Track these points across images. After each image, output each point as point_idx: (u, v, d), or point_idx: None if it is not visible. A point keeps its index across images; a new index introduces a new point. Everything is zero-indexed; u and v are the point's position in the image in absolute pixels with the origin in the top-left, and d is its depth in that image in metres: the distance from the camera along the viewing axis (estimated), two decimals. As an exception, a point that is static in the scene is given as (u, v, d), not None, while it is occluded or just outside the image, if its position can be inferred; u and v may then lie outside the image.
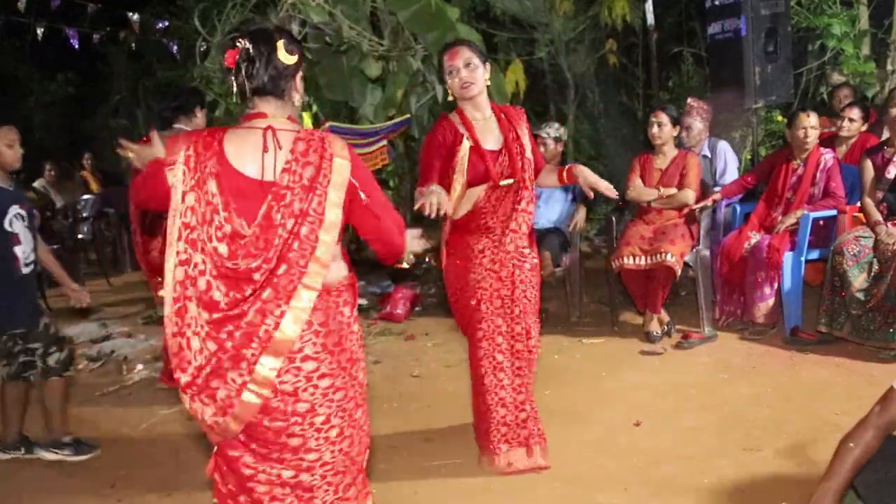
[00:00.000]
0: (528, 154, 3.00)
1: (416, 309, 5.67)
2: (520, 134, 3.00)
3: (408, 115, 6.00)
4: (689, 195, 4.62)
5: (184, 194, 1.82)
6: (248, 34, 1.87)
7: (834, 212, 4.40)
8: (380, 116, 5.95)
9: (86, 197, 8.32)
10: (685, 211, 4.68)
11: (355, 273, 2.04)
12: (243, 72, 1.86)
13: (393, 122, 5.92)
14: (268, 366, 1.82)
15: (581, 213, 5.18)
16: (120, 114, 14.07)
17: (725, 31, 5.62)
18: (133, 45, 9.11)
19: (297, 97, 1.96)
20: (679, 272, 4.51)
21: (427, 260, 5.96)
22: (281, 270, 1.81)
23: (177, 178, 1.83)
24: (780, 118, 6.52)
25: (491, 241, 2.98)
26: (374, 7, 5.75)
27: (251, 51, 1.85)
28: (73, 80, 14.42)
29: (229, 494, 1.94)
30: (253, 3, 5.73)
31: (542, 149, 5.30)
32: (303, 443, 1.89)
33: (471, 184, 2.96)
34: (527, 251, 3.04)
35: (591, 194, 3.02)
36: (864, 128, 4.82)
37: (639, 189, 4.77)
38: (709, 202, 4.66)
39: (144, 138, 2.29)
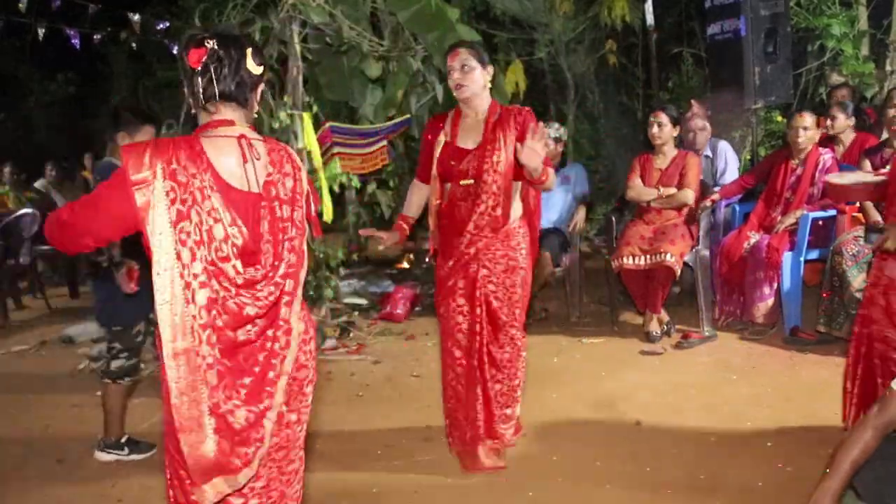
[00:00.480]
0: (500, 158, 2.95)
1: (416, 309, 5.68)
2: (500, 136, 2.97)
3: (408, 116, 6.00)
4: (689, 195, 4.63)
5: (179, 213, 1.67)
6: (218, 36, 1.77)
7: (833, 212, 4.41)
8: (380, 116, 5.96)
9: (86, 197, 8.31)
10: (685, 211, 4.69)
11: None
12: (211, 73, 1.75)
13: (393, 122, 5.92)
14: (281, 388, 1.82)
15: (581, 214, 5.19)
16: (120, 114, 14.09)
17: (725, 31, 5.63)
18: (133, 45, 9.10)
19: (254, 111, 1.88)
20: (679, 272, 4.52)
21: (427, 259, 5.97)
22: (288, 286, 1.80)
23: (158, 195, 1.66)
24: (779, 118, 6.53)
25: (455, 239, 3.04)
26: (374, 7, 5.75)
27: (220, 53, 1.76)
28: (73, 80, 14.43)
29: None
30: (253, 3, 5.73)
31: (542, 149, 5.31)
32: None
33: (441, 179, 3.07)
34: (499, 252, 3.01)
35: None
36: (851, 124, 4.85)
37: (638, 189, 4.78)
38: (708, 202, 4.66)
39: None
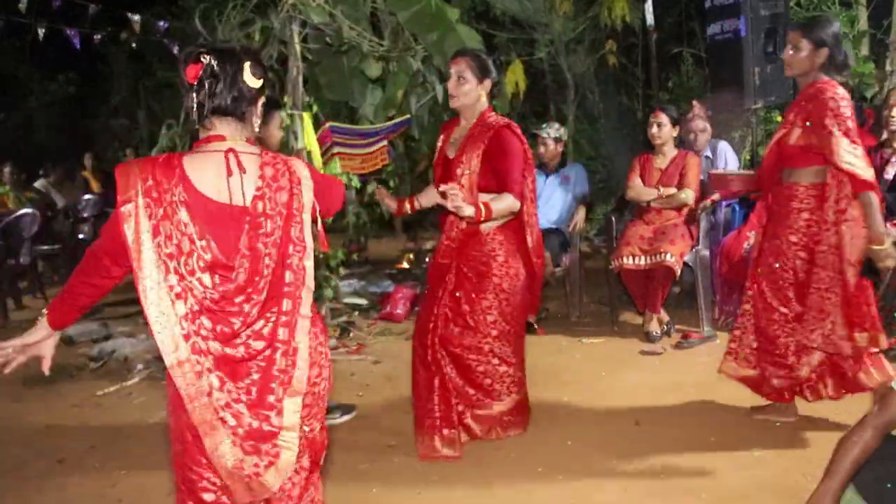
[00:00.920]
0: (464, 171, 3.05)
1: (416, 309, 5.67)
2: (469, 151, 3.06)
3: (408, 116, 6.00)
4: (689, 195, 4.64)
5: (154, 227, 1.68)
6: (214, 51, 1.76)
7: (833, 212, 4.40)
8: (380, 116, 5.95)
9: (87, 197, 8.33)
10: (685, 211, 4.69)
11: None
12: (206, 89, 1.74)
13: (393, 122, 5.92)
14: (291, 409, 1.78)
15: (581, 214, 5.19)
16: (121, 114, 14.10)
17: (725, 31, 5.62)
18: (134, 45, 9.12)
19: (257, 122, 1.86)
20: (679, 272, 4.52)
21: (427, 259, 5.97)
22: (286, 306, 1.76)
23: (138, 211, 1.68)
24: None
25: (442, 239, 3.21)
26: (374, 8, 5.75)
27: (216, 68, 1.74)
28: (73, 80, 14.45)
29: None
30: (253, 3, 5.73)
31: (542, 149, 5.32)
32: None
33: (436, 182, 3.18)
34: (472, 261, 3.13)
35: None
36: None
37: (638, 189, 4.78)
38: (708, 202, 4.66)
39: None
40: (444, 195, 2.76)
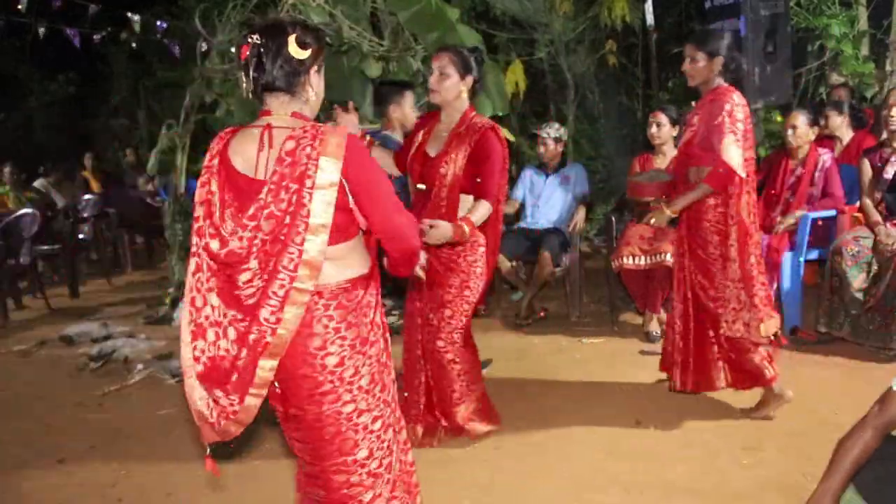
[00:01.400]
0: (447, 171, 3.05)
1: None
2: (454, 150, 3.06)
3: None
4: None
5: (199, 186, 1.85)
6: (260, 28, 1.83)
7: (833, 212, 4.41)
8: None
9: (87, 197, 8.33)
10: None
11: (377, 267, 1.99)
12: (253, 67, 1.82)
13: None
14: (266, 367, 1.79)
15: (581, 214, 5.19)
16: (121, 114, 14.10)
17: (725, 31, 5.62)
18: (134, 45, 9.12)
19: (312, 92, 1.89)
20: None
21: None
22: (274, 277, 1.75)
23: (201, 175, 1.87)
24: (779, 118, 6.53)
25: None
26: (374, 7, 5.75)
27: (261, 46, 1.81)
28: (73, 80, 14.45)
29: None
30: (253, 3, 5.73)
31: (542, 149, 5.32)
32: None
33: (415, 179, 3.19)
34: (443, 255, 3.15)
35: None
36: (845, 123, 4.88)
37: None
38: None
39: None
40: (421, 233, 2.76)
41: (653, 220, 3.37)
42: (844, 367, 3.87)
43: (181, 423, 3.80)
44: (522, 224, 5.42)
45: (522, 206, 5.48)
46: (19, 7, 7.19)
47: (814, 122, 4.52)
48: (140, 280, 8.05)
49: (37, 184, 8.28)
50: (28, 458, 3.49)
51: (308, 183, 1.73)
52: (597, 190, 7.67)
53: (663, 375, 3.71)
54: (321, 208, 1.73)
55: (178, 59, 9.33)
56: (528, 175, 5.45)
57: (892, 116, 4.06)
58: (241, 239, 1.76)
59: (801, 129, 4.43)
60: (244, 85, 1.85)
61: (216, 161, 1.84)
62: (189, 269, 1.85)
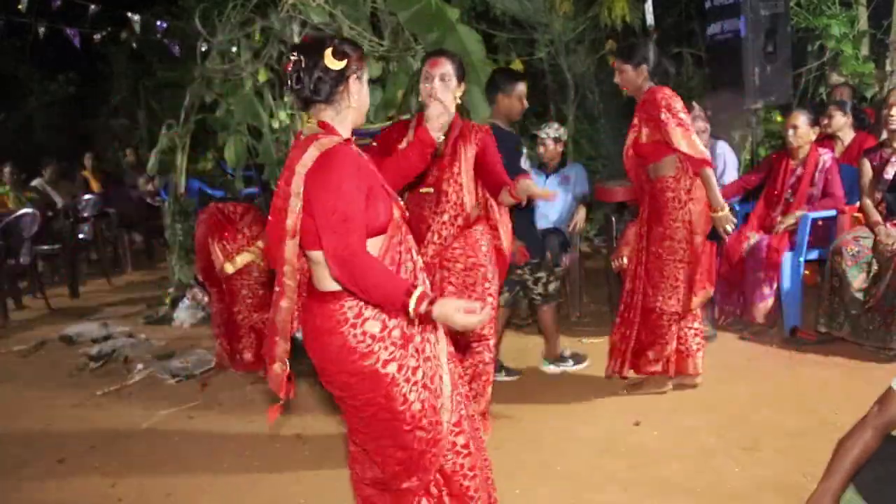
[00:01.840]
0: (460, 170, 3.09)
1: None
2: (461, 150, 3.09)
3: (408, 116, 5.99)
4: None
5: None
6: (299, 47, 1.96)
7: (833, 212, 4.41)
8: (380, 117, 5.95)
9: (86, 197, 8.33)
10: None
11: None
12: (294, 83, 1.94)
13: (393, 122, 5.92)
14: (282, 346, 2.01)
15: (581, 214, 5.18)
16: (121, 114, 14.09)
17: (725, 31, 5.63)
18: (134, 45, 9.11)
19: (352, 99, 1.97)
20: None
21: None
22: (280, 270, 1.95)
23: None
24: (779, 118, 6.53)
25: (431, 238, 3.15)
26: (374, 7, 5.74)
27: (301, 62, 1.92)
28: (73, 80, 14.42)
29: None
30: (253, 3, 5.73)
31: (541, 149, 5.32)
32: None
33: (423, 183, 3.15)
34: (458, 252, 3.14)
35: (525, 201, 3.08)
36: (848, 122, 4.88)
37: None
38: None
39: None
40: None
41: (728, 228, 3.51)
42: (844, 367, 3.87)
43: (181, 423, 3.81)
44: (522, 224, 5.41)
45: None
46: (19, 7, 7.19)
47: (814, 123, 4.52)
48: (140, 280, 8.05)
49: (34, 182, 8.28)
50: (28, 458, 3.50)
51: (290, 189, 1.88)
52: (597, 190, 7.66)
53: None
54: (292, 215, 1.88)
55: (178, 59, 9.33)
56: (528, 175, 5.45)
57: (892, 116, 4.06)
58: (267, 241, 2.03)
59: (802, 129, 4.43)
60: (288, 99, 2.00)
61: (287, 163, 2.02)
62: None
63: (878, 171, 4.13)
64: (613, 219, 5.18)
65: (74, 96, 14.46)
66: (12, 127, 13.80)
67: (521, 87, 3.80)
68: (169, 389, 4.34)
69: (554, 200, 3.51)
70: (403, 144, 3.06)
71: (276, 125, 5.34)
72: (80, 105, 14.36)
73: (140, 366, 4.74)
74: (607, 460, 3.05)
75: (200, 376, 4.49)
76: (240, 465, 3.27)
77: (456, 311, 1.82)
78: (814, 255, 4.43)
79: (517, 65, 7.76)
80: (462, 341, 3.11)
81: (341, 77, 1.94)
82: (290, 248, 1.90)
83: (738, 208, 5.11)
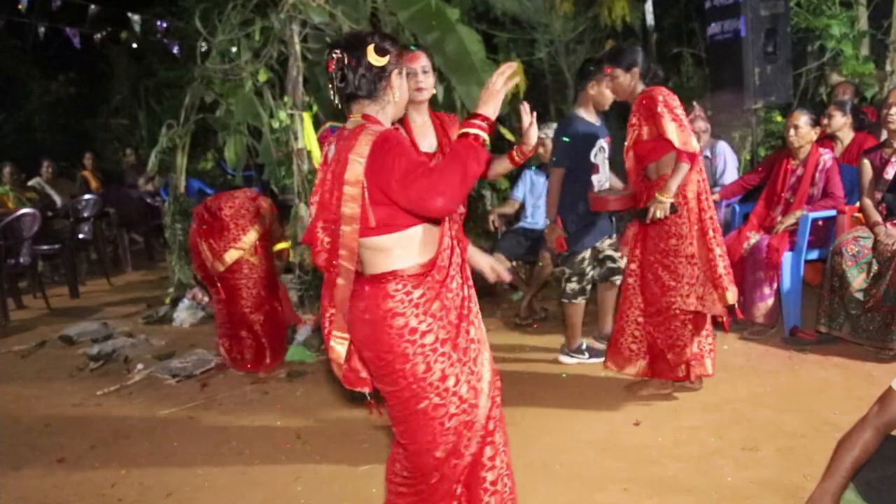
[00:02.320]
0: None
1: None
2: (451, 140, 3.10)
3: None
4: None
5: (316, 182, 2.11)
6: (341, 44, 2.01)
7: (833, 212, 4.41)
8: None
9: (87, 196, 8.34)
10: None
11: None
12: (337, 79, 2.00)
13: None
14: (339, 321, 2.07)
15: (581, 214, 5.18)
16: (121, 114, 14.09)
17: (725, 31, 5.63)
18: (134, 45, 9.12)
19: (395, 93, 2.05)
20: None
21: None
22: (335, 254, 2.00)
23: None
24: (779, 118, 6.53)
25: None
26: (374, 7, 5.75)
27: (344, 59, 1.98)
28: (74, 80, 14.43)
29: None
30: (253, 3, 5.73)
31: (541, 149, 5.32)
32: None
33: None
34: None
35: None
36: (848, 122, 4.89)
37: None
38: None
39: None
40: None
41: (658, 213, 3.44)
42: (844, 367, 3.87)
43: (181, 423, 3.81)
44: (522, 224, 5.42)
45: (522, 206, 5.49)
46: (19, 7, 7.19)
47: (815, 123, 4.52)
48: (140, 280, 8.06)
49: (33, 182, 8.28)
50: (28, 458, 3.50)
51: (341, 178, 1.92)
52: (597, 190, 7.66)
53: None
54: (348, 202, 1.92)
55: (178, 59, 9.34)
56: (528, 175, 5.45)
57: (892, 115, 4.06)
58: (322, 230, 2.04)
59: (802, 129, 4.43)
60: (331, 95, 2.02)
61: (323, 159, 2.08)
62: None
63: (878, 171, 4.13)
64: (613, 219, 5.17)
65: (74, 96, 14.47)
66: (12, 127, 13.80)
67: (606, 78, 3.83)
68: (169, 389, 4.35)
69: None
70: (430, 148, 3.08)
71: (276, 125, 5.34)
72: (80, 105, 14.36)
73: (140, 366, 4.74)
74: (607, 460, 3.05)
75: (200, 376, 4.49)
76: (240, 464, 3.27)
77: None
78: (814, 255, 4.43)
79: (517, 65, 7.76)
80: None
81: (384, 73, 2.00)
82: (348, 234, 1.94)
83: (737, 208, 5.11)
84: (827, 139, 4.88)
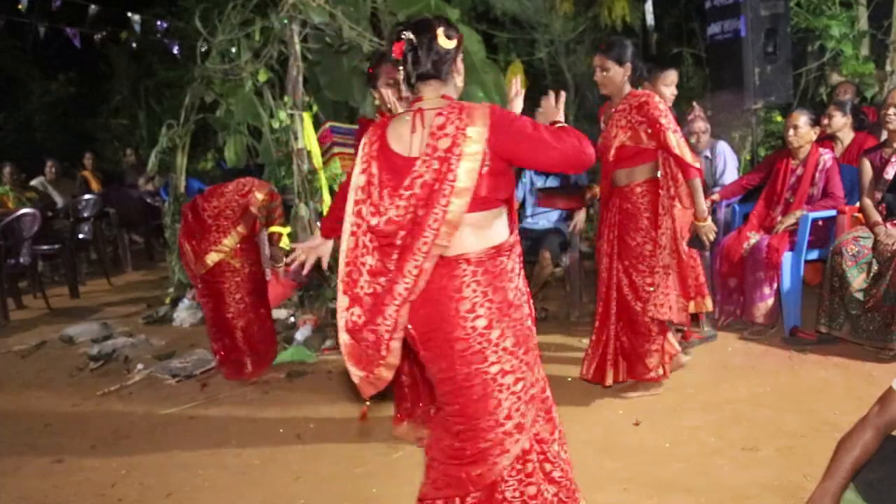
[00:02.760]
0: None
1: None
2: None
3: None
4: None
5: (358, 173, 2.06)
6: (411, 26, 2.05)
7: (833, 212, 4.41)
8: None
9: (87, 196, 8.34)
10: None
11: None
12: (409, 61, 2.04)
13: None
14: (405, 316, 2.03)
15: (581, 214, 5.18)
16: (121, 114, 14.10)
17: (725, 31, 5.63)
18: (134, 45, 9.12)
19: (459, 77, 2.13)
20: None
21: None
22: (417, 233, 1.97)
23: (357, 159, 2.09)
24: (779, 118, 6.54)
25: None
26: (374, 7, 5.75)
27: (414, 41, 2.03)
28: (74, 80, 14.43)
29: None
30: (253, 3, 5.73)
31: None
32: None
33: None
34: None
35: None
36: (848, 122, 4.89)
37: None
38: (707, 203, 4.66)
39: None
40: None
41: (711, 236, 3.57)
42: (844, 367, 3.87)
43: (181, 423, 3.81)
44: (522, 224, 5.42)
45: (522, 206, 5.49)
46: (19, 7, 7.19)
47: (815, 123, 4.52)
48: (140, 280, 8.06)
49: (34, 182, 8.29)
50: (28, 458, 3.50)
51: (456, 151, 1.95)
52: (597, 190, 7.67)
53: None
54: (465, 174, 1.95)
55: (178, 59, 9.34)
56: (529, 175, 5.45)
57: (891, 115, 4.06)
58: (397, 208, 1.99)
59: (802, 129, 4.43)
60: (401, 76, 2.05)
61: (376, 146, 2.06)
62: (346, 247, 2.07)
63: (878, 171, 4.13)
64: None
65: (74, 96, 14.46)
66: (12, 127, 13.80)
67: (673, 76, 3.89)
68: (169, 389, 4.35)
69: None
70: None
71: (276, 125, 5.34)
72: (80, 105, 14.36)
73: (140, 366, 4.74)
74: (607, 460, 3.04)
75: (200, 376, 4.48)
76: (240, 464, 3.27)
77: None
78: (814, 255, 4.43)
79: (517, 65, 7.78)
80: None
81: (451, 56, 2.07)
82: (456, 206, 1.95)
83: (737, 208, 5.11)
84: (827, 139, 4.88)
